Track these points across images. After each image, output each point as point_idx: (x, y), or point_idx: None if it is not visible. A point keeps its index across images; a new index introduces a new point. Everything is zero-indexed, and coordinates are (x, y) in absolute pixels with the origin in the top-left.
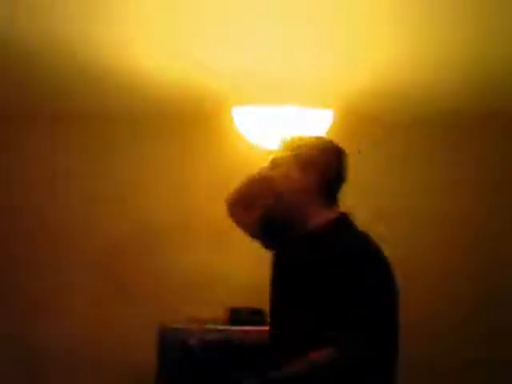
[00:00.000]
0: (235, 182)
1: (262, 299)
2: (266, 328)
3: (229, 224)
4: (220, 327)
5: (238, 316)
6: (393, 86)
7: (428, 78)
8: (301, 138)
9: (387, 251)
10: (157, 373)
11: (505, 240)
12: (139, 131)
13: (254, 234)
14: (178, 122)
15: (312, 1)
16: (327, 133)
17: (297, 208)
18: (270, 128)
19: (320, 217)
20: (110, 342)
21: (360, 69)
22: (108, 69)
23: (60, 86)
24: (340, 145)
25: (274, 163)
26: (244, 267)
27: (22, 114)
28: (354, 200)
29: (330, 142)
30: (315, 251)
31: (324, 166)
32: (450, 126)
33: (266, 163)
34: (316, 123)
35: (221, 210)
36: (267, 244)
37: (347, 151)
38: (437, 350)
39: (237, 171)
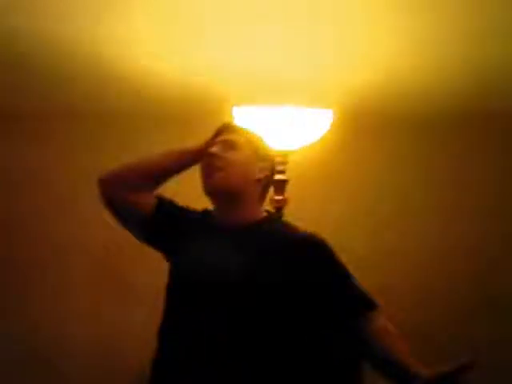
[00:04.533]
0: None
1: None
2: None
3: None
4: None
5: None
6: (393, 85)
7: (428, 78)
8: (249, 129)
9: (385, 249)
10: None
11: (506, 241)
12: (140, 131)
13: (134, 221)
14: (178, 122)
15: (312, 0)
16: (327, 133)
17: (242, 196)
18: (270, 128)
19: (258, 212)
20: (110, 342)
21: (360, 69)
22: (108, 69)
23: (60, 86)
24: (339, 145)
25: (229, 145)
26: None
27: (22, 113)
28: (354, 199)
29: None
30: (271, 244)
31: (273, 163)
32: (451, 126)
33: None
34: (316, 123)
35: None
36: (147, 232)
37: (347, 151)
38: (436, 350)
39: None
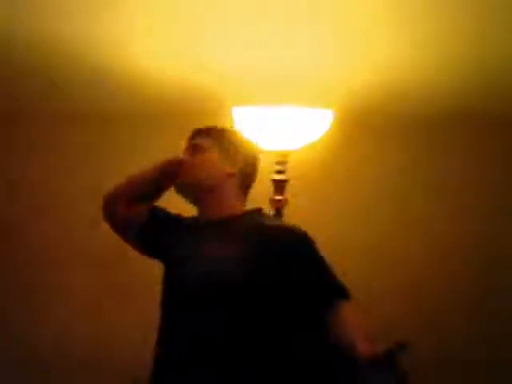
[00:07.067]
0: None
1: None
2: None
3: None
4: None
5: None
6: (393, 85)
7: (428, 78)
8: (221, 128)
9: (385, 250)
10: None
11: (506, 241)
12: (139, 131)
13: (131, 231)
14: (177, 122)
15: (312, 0)
16: (327, 133)
17: (213, 191)
18: (269, 128)
19: (236, 206)
20: (110, 341)
21: (360, 68)
22: (108, 69)
23: (60, 86)
24: (339, 145)
25: (196, 149)
26: None
27: (22, 113)
28: (354, 199)
29: (246, 136)
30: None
31: (245, 157)
32: (451, 126)
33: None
34: (316, 123)
35: None
36: (143, 241)
37: (347, 151)
38: (434, 351)
39: None
